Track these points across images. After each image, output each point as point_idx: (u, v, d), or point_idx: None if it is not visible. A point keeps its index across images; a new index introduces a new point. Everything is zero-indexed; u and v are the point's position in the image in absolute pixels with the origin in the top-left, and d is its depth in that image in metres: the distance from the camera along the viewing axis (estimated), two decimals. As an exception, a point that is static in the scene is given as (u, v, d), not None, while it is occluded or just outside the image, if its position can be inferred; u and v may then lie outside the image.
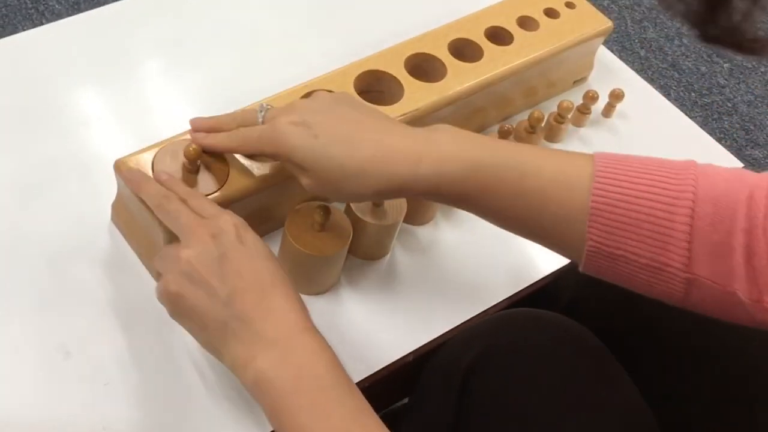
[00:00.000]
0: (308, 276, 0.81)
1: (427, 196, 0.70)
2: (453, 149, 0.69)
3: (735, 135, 1.80)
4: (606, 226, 0.65)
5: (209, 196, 0.76)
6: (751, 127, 1.82)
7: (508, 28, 0.96)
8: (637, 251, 0.65)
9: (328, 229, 0.79)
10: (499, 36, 0.95)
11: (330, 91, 0.81)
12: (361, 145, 0.69)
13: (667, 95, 1.81)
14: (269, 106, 0.76)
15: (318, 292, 0.82)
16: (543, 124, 0.96)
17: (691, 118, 1.11)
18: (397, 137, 0.70)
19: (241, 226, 0.69)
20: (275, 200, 0.82)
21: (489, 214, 0.71)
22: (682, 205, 0.64)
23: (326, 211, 0.77)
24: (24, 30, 1.00)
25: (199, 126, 0.78)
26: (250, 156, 0.80)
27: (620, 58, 1.15)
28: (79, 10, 1.60)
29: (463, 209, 0.72)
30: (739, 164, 1.04)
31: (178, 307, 0.67)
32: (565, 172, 0.67)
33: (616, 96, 1.01)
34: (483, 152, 0.68)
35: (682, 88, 1.86)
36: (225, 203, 0.77)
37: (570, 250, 0.69)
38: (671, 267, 0.64)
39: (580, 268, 0.69)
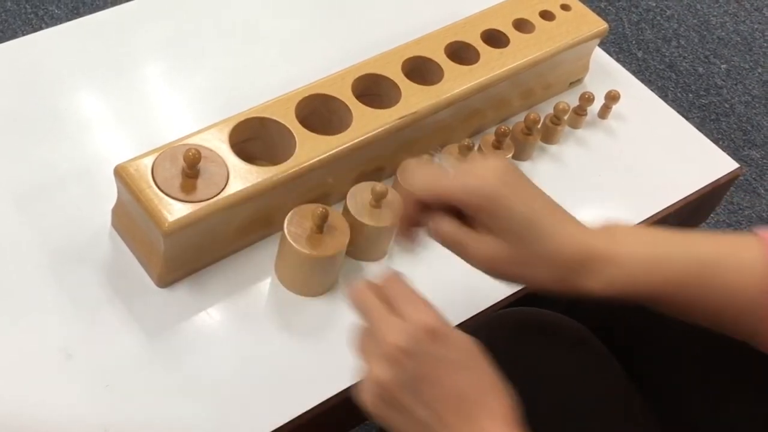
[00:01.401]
0: (307, 277, 0.81)
1: (609, 293, 0.66)
2: (638, 248, 0.66)
3: (732, 136, 1.80)
4: None
5: (208, 201, 0.77)
6: (749, 128, 1.83)
7: (504, 30, 0.96)
8: None
9: (326, 230, 0.79)
10: (495, 39, 0.96)
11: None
12: (561, 229, 0.66)
13: (665, 96, 1.82)
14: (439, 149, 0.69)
15: (316, 294, 0.83)
16: (539, 126, 0.96)
17: (688, 119, 1.12)
18: (587, 231, 0.67)
19: (437, 327, 0.61)
20: (274, 204, 0.82)
21: (675, 310, 0.68)
22: None
23: (324, 213, 0.78)
24: (24, 35, 1.01)
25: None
26: (250, 159, 0.81)
27: (618, 59, 1.16)
28: (78, 15, 1.61)
29: (654, 306, 0.69)
30: (735, 165, 1.04)
31: (381, 421, 0.63)
32: (739, 256, 0.66)
33: (612, 97, 1.02)
34: (666, 247, 0.67)
35: (679, 90, 1.87)
36: (224, 206, 0.77)
37: (752, 335, 0.68)
38: None
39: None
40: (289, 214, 0.80)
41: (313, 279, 0.82)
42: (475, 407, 0.60)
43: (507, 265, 0.66)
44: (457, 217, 0.67)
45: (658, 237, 0.68)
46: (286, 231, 0.79)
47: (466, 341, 0.62)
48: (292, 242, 0.78)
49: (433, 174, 0.67)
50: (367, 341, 0.63)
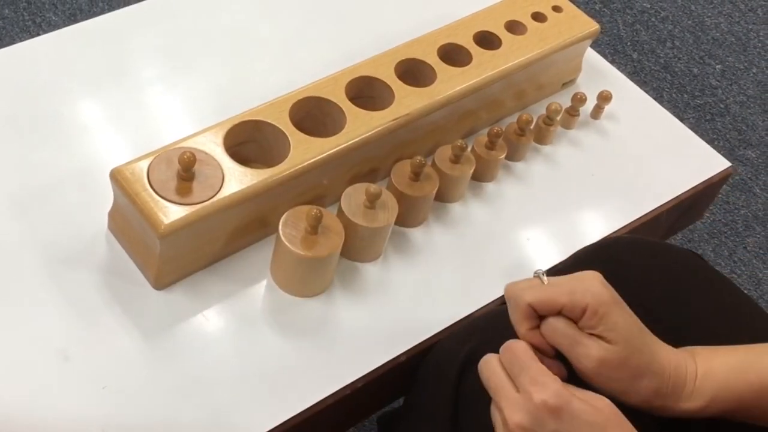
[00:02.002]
0: (302, 278, 0.82)
1: (703, 412, 0.68)
2: (718, 359, 0.69)
3: (728, 135, 1.81)
4: None
5: (204, 203, 0.78)
6: (744, 128, 1.84)
7: (496, 32, 0.97)
8: None
9: (320, 232, 0.80)
10: (487, 40, 0.97)
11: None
12: (661, 344, 0.68)
13: (660, 97, 1.83)
14: (544, 272, 0.70)
15: (311, 294, 0.83)
16: (532, 127, 0.97)
17: (684, 119, 1.13)
18: (676, 352, 0.69)
19: (558, 405, 0.62)
20: (269, 206, 0.83)
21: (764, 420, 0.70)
22: None
23: (319, 214, 0.79)
24: (21, 41, 1.01)
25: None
26: (245, 162, 0.81)
27: (613, 61, 1.17)
28: (75, 22, 1.61)
29: (734, 418, 0.70)
30: (727, 164, 1.05)
31: None
32: None
33: (604, 98, 1.02)
34: (742, 353, 0.69)
35: (674, 90, 1.87)
36: (219, 209, 0.78)
37: None
38: None
39: None
40: (284, 215, 0.81)
41: (308, 280, 0.82)
42: None
43: (616, 370, 0.66)
44: None
45: (734, 347, 0.69)
46: (280, 232, 0.80)
47: (591, 412, 0.62)
48: (286, 243, 0.79)
49: (540, 288, 0.68)
50: (497, 418, 0.65)
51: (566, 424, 0.62)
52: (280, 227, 0.80)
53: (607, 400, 0.64)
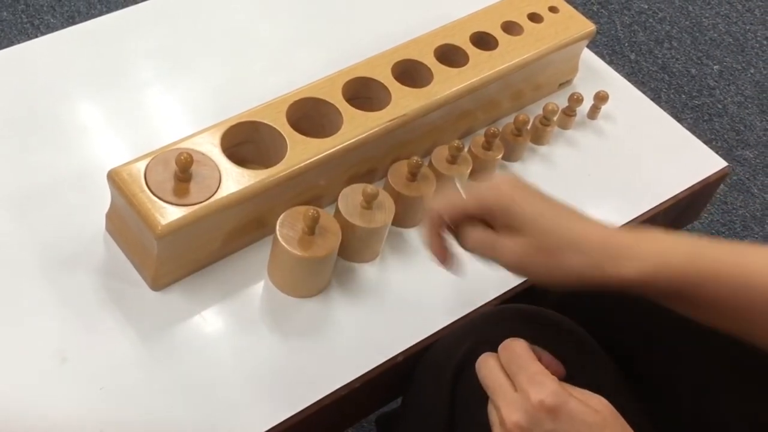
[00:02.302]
0: (299, 279, 0.82)
1: (638, 283, 0.66)
2: (672, 240, 0.67)
3: (726, 136, 1.81)
4: None
5: (201, 204, 0.78)
6: (742, 128, 1.84)
7: (492, 33, 0.97)
8: None
9: (318, 232, 0.80)
10: (484, 41, 0.97)
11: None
12: (581, 222, 0.68)
13: (658, 98, 1.83)
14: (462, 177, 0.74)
15: (309, 295, 0.83)
16: (529, 127, 0.97)
17: (681, 120, 1.13)
18: (609, 228, 0.68)
19: (555, 404, 0.62)
20: (266, 207, 0.83)
21: (705, 307, 0.67)
22: None
23: (316, 215, 0.79)
24: (20, 43, 1.01)
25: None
26: (242, 163, 0.82)
27: (610, 61, 1.17)
28: (73, 23, 1.61)
29: (675, 306, 0.69)
30: (723, 163, 1.05)
31: None
32: None
33: (601, 98, 1.02)
34: (703, 243, 0.67)
35: (672, 91, 1.87)
36: (216, 210, 0.78)
37: None
38: None
39: None
40: (281, 216, 0.81)
41: (305, 280, 0.83)
42: None
43: (537, 255, 0.67)
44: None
45: (693, 238, 0.67)
46: (278, 233, 0.80)
47: (589, 412, 0.62)
48: (284, 244, 0.79)
49: (452, 196, 0.71)
50: (494, 417, 0.65)
51: (563, 425, 0.62)
52: (277, 228, 0.80)
53: (605, 401, 0.64)
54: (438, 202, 0.72)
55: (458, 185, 0.72)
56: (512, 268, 0.70)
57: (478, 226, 0.70)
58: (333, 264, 0.83)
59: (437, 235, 0.73)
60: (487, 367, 0.67)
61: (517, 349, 0.67)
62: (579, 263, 0.66)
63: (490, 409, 0.67)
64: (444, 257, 0.74)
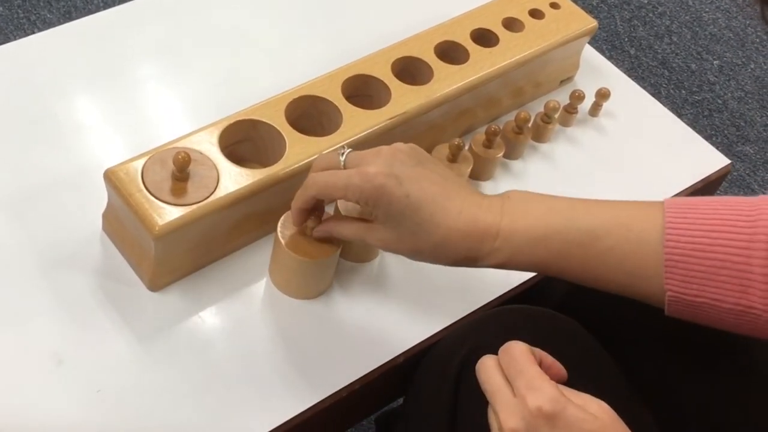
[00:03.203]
0: (301, 281, 0.81)
1: (501, 267, 0.73)
2: (524, 222, 0.70)
3: (726, 131, 1.81)
4: (683, 276, 0.67)
5: (199, 204, 0.77)
6: (742, 124, 1.83)
7: (493, 29, 0.96)
8: (718, 297, 0.66)
9: None
10: (484, 38, 0.96)
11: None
12: (447, 215, 0.70)
13: (658, 93, 1.82)
14: (349, 150, 0.74)
15: (311, 297, 0.83)
16: (530, 125, 0.96)
17: (681, 115, 1.12)
18: (477, 209, 0.71)
19: (552, 411, 0.61)
20: (265, 206, 0.82)
21: (565, 277, 0.72)
22: (758, 247, 0.65)
23: (318, 216, 0.78)
24: (15, 39, 1.01)
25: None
26: (240, 162, 0.81)
27: (610, 57, 1.16)
28: (70, 19, 1.61)
29: (545, 274, 0.74)
30: (726, 161, 1.05)
31: None
32: (636, 228, 0.69)
33: (603, 95, 1.02)
34: (552, 220, 0.70)
35: (672, 86, 1.87)
36: (214, 209, 0.77)
37: (652, 299, 0.70)
38: (755, 309, 0.65)
39: (666, 313, 0.70)
40: (282, 217, 0.80)
41: (307, 283, 0.82)
42: None
43: (405, 248, 0.73)
44: None
45: (550, 208, 0.71)
46: (279, 235, 0.79)
47: (587, 419, 0.61)
48: (285, 247, 0.78)
49: (330, 175, 0.73)
50: (493, 421, 0.65)
51: (561, 431, 0.61)
52: (278, 229, 0.79)
53: (605, 405, 0.63)
54: (314, 180, 0.74)
55: (342, 158, 0.73)
56: (379, 248, 0.76)
57: (344, 221, 0.77)
58: (335, 266, 0.82)
59: (305, 212, 0.77)
60: (487, 371, 0.66)
61: (516, 352, 0.66)
62: (439, 258, 0.72)
63: (490, 413, 0.66)
64: (301, 231, 0.79)
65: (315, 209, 0.77)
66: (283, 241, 0.78)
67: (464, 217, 0.70)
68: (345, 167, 0.73)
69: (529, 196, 0.73)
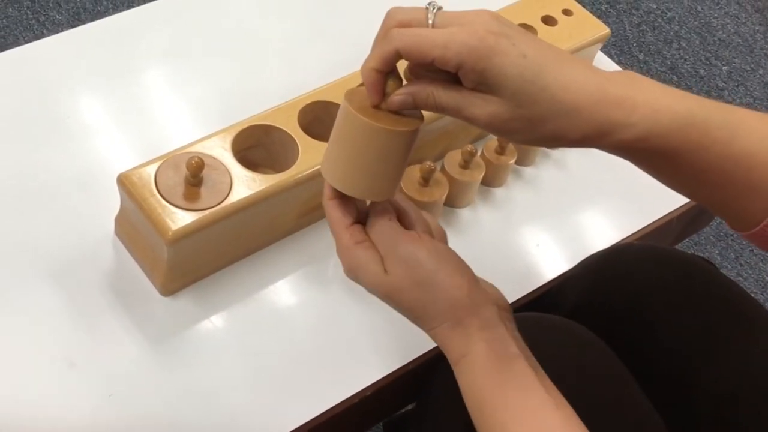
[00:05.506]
0: (373, 164, 0.63)
1: (632, 149, 0.60)
2: (667, 100, 0.59)
3: (734, 137, 1.80)
4: None
5: (212, 209, 0.77)
6: (751, 130, 1.83)
7: (506, 36, 0.96)
8: None
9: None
10: (497, 44, 0.96)
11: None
12: (574, 77, 0.58)
13: (666, 99, 1.82)
14: (441, 6, 0.60)
15: (376, 191, 0.65)
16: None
17: (690, 122, 1.11)
18: (601, 77, 0.59)
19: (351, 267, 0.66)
20: (277, 211, 0.82)
21: (687, 174, 0.62)
22: None
23: (397, 79, 0.62)
24: (25, 41, 1.01)
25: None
26: (253, 167, 0.81)
27: (619, 62, 1.16)
28: (79, 20, 1.61)
29: (656, 170, 0.63)
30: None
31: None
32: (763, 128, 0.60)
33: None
34: (696, 106, 0.60)
35: (681, 92, 1.86)
36: (227, 215, 0.77)
37: (744, 219, 0.63)
38: None
39: (744, 235, 0.63)
40: (346, 92, 0.64)
41: (378, 168, 0.64)
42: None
43: (514, 122, 0.59)
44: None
45: (685, 95, 0.61)
46: (347, 105, 0.62)
47: (379, 277, 0.66)
48: (358, 113, 0.61)
49: (418, 31, 0.59)
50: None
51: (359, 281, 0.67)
52: (343, 102, 0.63)
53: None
54: (398, 37, 0.59)
55: (430, 14, 0.59)
56: (481, 126, 0.60)
57: (442, 86, 0.60)
58: (409, 156, 0.65)
59: (382, 75, 0.61)
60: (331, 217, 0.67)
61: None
62: (564, 131, 0.59)
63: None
64: (379, 99, 0.62)
65: (391, 73, 0.62)
66: (353, 109, 0.62)
67: (594, 81, 0.59)
68: (433, 27, 0.59)
69: (649, 79, 0.62)
